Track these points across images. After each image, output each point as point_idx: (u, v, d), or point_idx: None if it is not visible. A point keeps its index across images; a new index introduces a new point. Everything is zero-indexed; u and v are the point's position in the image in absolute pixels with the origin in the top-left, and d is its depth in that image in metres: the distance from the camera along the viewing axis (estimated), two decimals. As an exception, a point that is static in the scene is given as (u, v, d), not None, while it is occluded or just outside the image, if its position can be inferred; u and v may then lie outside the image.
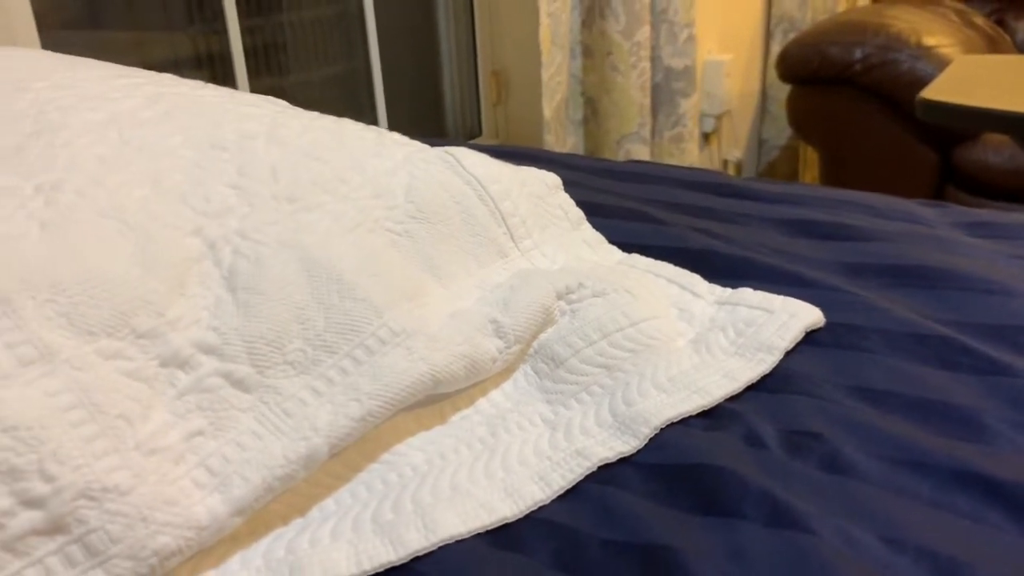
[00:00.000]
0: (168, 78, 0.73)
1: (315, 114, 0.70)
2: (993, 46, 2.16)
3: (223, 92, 0.72)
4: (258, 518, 0.46)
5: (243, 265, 0.51)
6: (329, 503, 0.47)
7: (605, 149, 2.02)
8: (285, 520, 0.46)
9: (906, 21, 2.04)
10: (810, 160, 2.58)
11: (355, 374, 0.49)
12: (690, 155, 2.15)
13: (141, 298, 0.47)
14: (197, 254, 0.51)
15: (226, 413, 0.46)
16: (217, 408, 0.46)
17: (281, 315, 0.49)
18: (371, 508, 0.46)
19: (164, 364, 0.46)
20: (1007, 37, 2.26)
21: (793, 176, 2.62)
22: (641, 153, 2.01)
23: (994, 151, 1.88)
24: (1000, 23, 2.29)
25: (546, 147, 1.86)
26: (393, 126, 1.78)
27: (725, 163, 2.53)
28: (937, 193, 2.00)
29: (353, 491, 0.48)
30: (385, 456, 0.50)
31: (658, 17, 2.01)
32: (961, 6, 2.27)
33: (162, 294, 0.48)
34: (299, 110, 0.70)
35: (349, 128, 0.67)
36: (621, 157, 2.00)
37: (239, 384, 0.47)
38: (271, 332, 0.48)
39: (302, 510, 0.47)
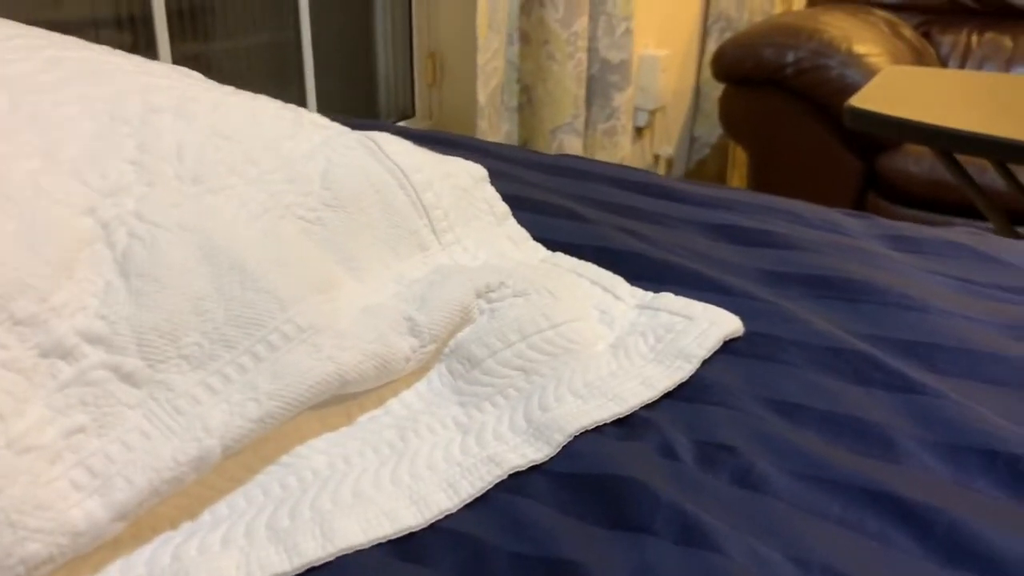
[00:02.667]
0: (73, 41, 0.68)
1: (230, 89, 0.66)
2: (919, 58, 2.22)
3: (132, 60, 0.67)
4: (143, 521, 0.43)
5: (138, 249, 0.47)
6: (221, 507, 0.44)
7: (539, 138, 2.00)
8: (173, 523, 0.44)
9: (838, 28, 2.07)
10: (739, 160, 2.61)
11: (254, 371, 0.46)
12: (622, 149, 2.15)
13: (22, 281, 0.43)
14: (89, 235, 0.48)
15: (112, 409, 0.42)
16: (102, 404, 0.42)
17: (177, 305, 0.46)
18: (266, 513, 0.43)
19: (45, 354, 0.43)
20: (931, 50, 2.32)
21: (722, 174, 2.66)
22: (574, 145, 2.00)
23: (915, 161, 1.93)
24: (927, 35, 2.36)
25: (479, 133, 1.83)
26: (322, 101, 1.72)
27: (656, 158, 2.54)
28: (859, 198, 2.04)
29: (248, 495, 0.45)
30: (284, 458, 0.47)
31: (597, 8, 2.00)
32: (891, 16, 2.33)
33: (46, 278, 0.44)
34: (213, 83, 0.67)
35: (265, 106, 0.63)
36: (554, 148, 1.99)
37: (127, 378, 0.43)
38: (165, 323, 0.45)
39: (192, 513, 0.44)
